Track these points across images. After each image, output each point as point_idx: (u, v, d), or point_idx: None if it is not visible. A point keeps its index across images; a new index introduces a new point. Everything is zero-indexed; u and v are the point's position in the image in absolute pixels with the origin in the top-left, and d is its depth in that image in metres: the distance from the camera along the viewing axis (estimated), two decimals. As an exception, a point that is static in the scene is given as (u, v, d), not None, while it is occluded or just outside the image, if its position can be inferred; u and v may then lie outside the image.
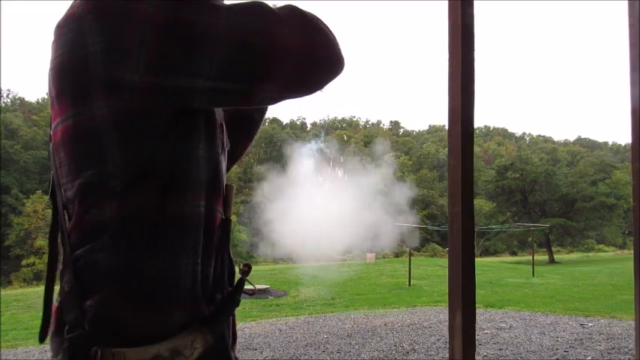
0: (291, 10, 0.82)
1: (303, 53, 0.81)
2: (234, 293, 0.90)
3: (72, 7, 0.82)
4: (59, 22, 0.84)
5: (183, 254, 0.81)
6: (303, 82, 0.85)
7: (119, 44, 0.75)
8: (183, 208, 0.81)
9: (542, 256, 30.52)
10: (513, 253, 41.96)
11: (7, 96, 47.09)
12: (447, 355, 2.09)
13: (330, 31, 0.85)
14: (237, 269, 0.94)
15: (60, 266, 0.87)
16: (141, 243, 0.79)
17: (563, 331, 7.77)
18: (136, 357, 0.76)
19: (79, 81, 0.79)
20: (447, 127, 2.05)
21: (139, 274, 0.79)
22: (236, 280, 0.92)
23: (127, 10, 0.75)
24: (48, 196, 0.93)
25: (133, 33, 0.75)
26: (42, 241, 33.01)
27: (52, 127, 0.89)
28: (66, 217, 0.87)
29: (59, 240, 0.89)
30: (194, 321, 0.82)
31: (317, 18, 0.84)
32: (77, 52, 0.78)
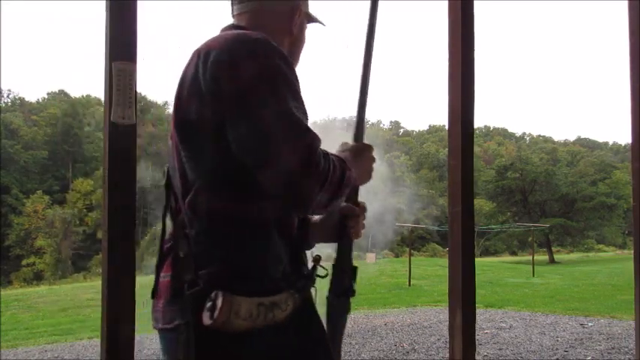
0: (319, 156, 0.96)
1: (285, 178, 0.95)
2: (312, 271, 1.13)
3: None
4: None
5: (278, 240, 1.04)
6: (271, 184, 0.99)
7: None
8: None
9: (542, 256, 30.49)
10: (513, 253, 41.90)
11: (8, 96, 47.08)
12: (447, 355, 2.09)
13: (319, 188, 0.97)
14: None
15: (167, 243, 1.08)
16: (245, 230, 1.01)
17: (563, 331, 7.77)
18: (245, 303, 0.97)
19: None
20: (447, 127, 2.05)
21: (244, 256, 1.01)
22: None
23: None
24: (164, 184, 1.12)
25: None
26: (42, 241, 32.98)
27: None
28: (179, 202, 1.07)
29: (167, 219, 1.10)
30: (287, 288, 1.04)
31: (327, 173, 0.97)
32: None
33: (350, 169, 1.05)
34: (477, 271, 2.01)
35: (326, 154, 0.99)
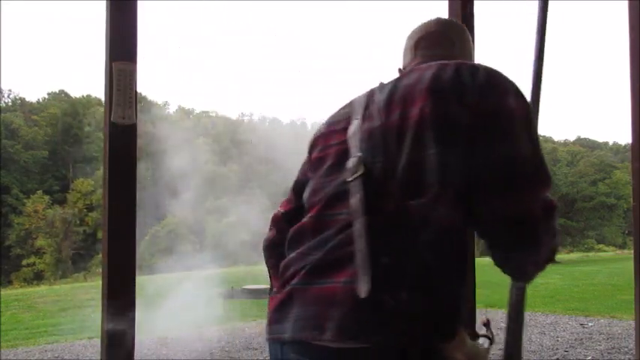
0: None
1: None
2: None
3: None
4: None
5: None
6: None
7: None
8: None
9: (542, 256, 30.45)
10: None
11: (8, 96, 47.05)
12: (447, 355, 2.09)
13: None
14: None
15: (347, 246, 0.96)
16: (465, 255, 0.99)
17: (563, 331, 7.77)
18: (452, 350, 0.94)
19: None
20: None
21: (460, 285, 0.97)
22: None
23: None
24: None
25: None
26: (42, 241, 32.99)
27: None
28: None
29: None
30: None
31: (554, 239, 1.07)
32: None
33: None
34: (476, 271, 2.00)
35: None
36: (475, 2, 2.03)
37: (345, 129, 1.08)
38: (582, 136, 51.69)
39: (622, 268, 19.29)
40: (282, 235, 1.17)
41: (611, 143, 50.75)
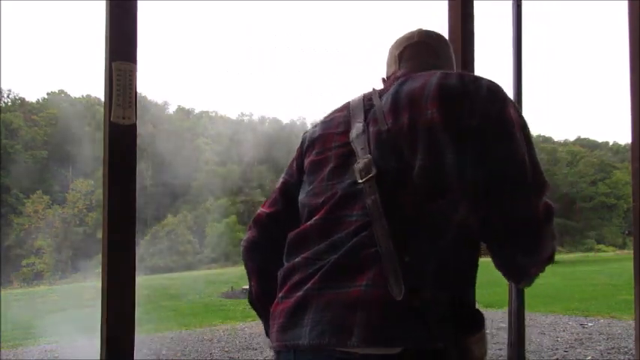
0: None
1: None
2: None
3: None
4: None
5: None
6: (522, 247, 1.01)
7: None
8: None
9: (542, 256, 30.47)
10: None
11: (8, 96, 47.04)
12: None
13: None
14: None
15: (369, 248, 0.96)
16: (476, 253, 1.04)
17: (563, 331, 7.77)
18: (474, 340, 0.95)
19: None
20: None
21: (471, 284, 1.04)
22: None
23: None
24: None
25: None
26: (42, 241, 33.00)
27: None
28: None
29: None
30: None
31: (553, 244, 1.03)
32: None
33: None
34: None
35: None
36: (475, 2, 2.03)
37: (346, 132, 1.08)
38: (582, 136, 51.69)
39: (622, 268, 19.28)
40: (266, 236, 1.16)
41: (611, 143, 50.76)
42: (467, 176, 0.94)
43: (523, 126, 1.01)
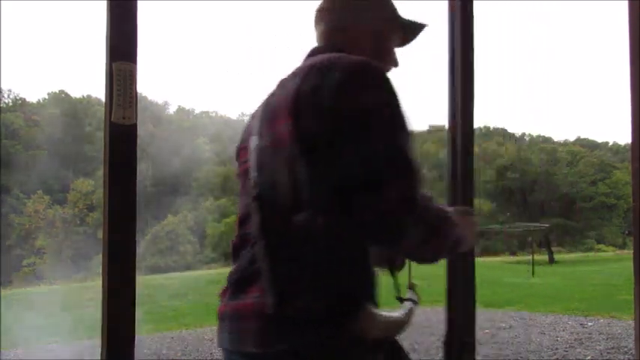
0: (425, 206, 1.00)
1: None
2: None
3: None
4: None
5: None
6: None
7: None
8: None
9: (542, 256, 30.49)
10: (513, 253, 41.91)
11: (8, 96, 47.04)
12: (447, 355, 2.09)
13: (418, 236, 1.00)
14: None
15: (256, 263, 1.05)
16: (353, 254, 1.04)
17: (563, 330, 7.77)
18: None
19: None
20: (447, 127, 2.04)
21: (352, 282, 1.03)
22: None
23: None
24: None
25: None
26: (42, 241, 33.00)
27: None
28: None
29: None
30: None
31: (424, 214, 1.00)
32: None
33: (451, 220, 1.06)
34: (477, 271, 2.00)
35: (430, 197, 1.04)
36: (475, 2, 2.03)
37: (247, 147, 1.13)
38: (582, 136, 51.67)
39: (622, 268, 19.28)
40: (236, 241, 1.18)
41: (611, 143, 50.72)
42: (319, 185, 0.97)
43: (380, 110, 0.98)
